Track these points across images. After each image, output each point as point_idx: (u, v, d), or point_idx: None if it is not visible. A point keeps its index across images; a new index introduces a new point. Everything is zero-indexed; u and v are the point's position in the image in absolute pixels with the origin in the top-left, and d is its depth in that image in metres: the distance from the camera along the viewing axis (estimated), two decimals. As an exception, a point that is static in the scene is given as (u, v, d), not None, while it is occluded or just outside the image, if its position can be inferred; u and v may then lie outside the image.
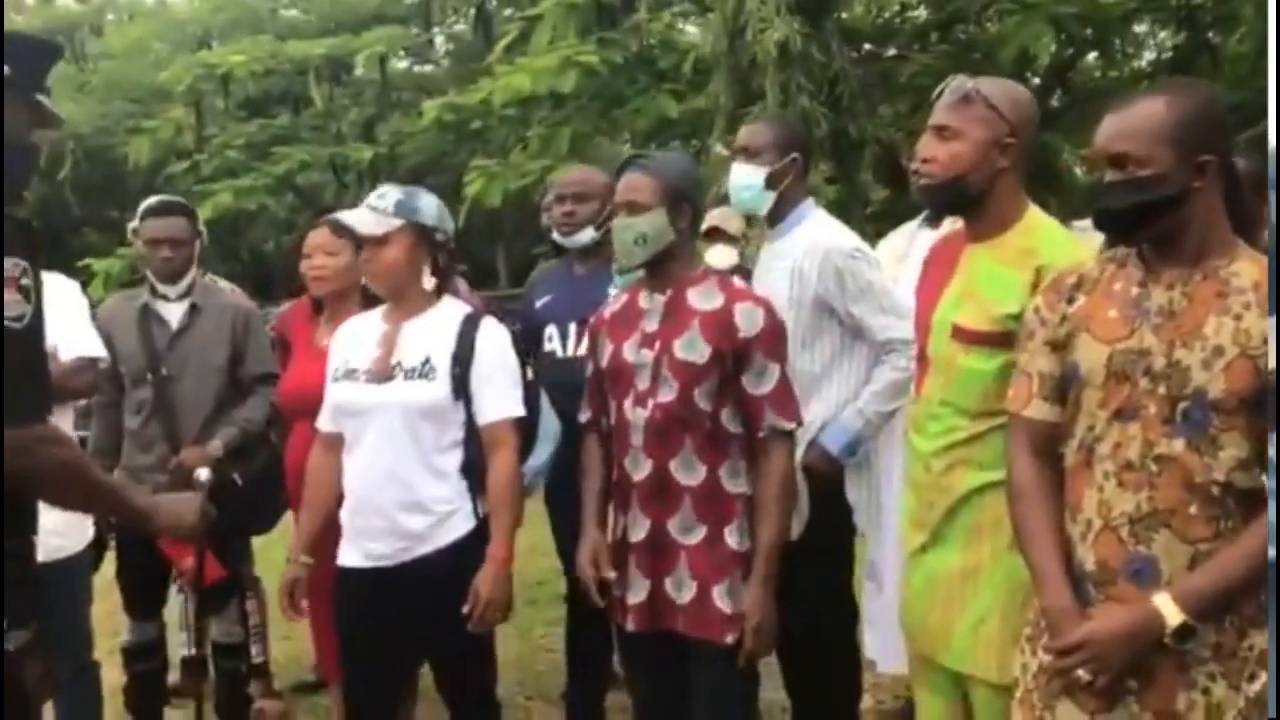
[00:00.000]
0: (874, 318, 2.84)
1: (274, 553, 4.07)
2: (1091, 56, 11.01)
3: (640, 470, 2.50)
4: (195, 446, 3.48)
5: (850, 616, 3.19)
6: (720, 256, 4.46)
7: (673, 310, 2.50)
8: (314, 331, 3.47)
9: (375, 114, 13.00)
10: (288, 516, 3.59)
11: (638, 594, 2.52)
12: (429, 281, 2.72)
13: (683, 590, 2.46)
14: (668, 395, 2.46)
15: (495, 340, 2.73)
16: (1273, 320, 1.74)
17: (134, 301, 3.59)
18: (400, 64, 15.67)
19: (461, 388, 2.65)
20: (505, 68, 8.81)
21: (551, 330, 3.51)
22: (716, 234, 4.39)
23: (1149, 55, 10.99)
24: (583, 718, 3.65)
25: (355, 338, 2.80)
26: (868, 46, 9.87)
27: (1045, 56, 8.66)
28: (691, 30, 9.90)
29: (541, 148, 9.77)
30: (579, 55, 8.46)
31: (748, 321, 2.43)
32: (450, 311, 2.75)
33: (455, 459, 2.68)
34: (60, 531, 3.05)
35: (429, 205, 2.72)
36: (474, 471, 2.69)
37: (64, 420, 3.23)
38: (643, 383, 2.50)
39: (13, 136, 1.92)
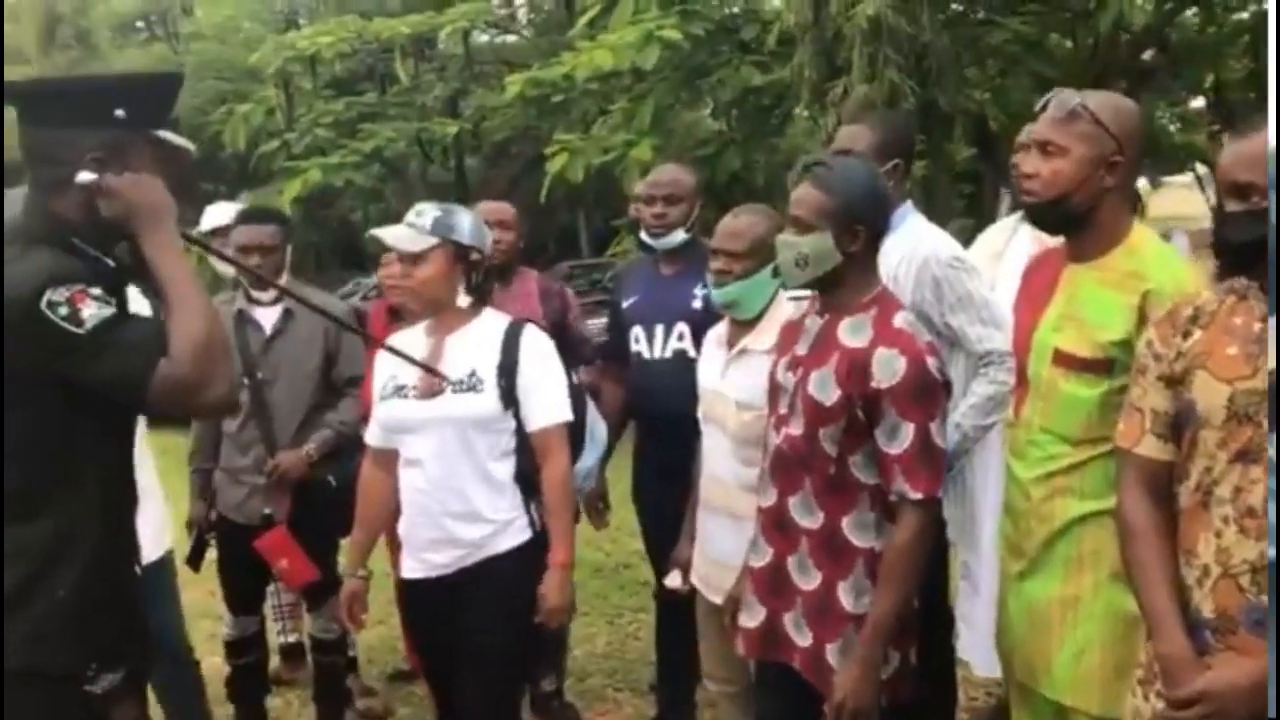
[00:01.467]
0: (972, 328, 2.75)
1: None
2: (1190, 12, 10.59)
3: (767, 496, 2.41)
4: (291, 450, 3.54)
5: (946, 625, 3.13)
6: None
7: (822, 339, 2.32)
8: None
9: (459, 88, 13.05)
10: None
11: (752, 618, 2.45)
12: (463, 299, 2.76)
13: (801, 633, 2.34)
14: (796, 428, 2.31)
15: (538, 348, 2.76)
16: (1273, 320, 1.69)
17: (229, 307, 3.65)
18: (483, 36, 15.69)
19: (509, 397, 2.69)
20: (587, 43, 8.76)
21: (638, 331, 3.49)
22: None
23: (1253, 6, 10.52)
24: (672, 712, 3.67)
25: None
26: (955, 6, 9.61)
27: (1142, 18, 8.35)
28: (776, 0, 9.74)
29: (623, 120, 9.73)
30: (661, 29, 8.37)
31: (885, 370, 2.17)
32: (492, 323, 2.78)
33: (508, 468, 2.73)
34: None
35: (465, 223, 2.74)
36: (526, 479, 2.74)
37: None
38: (783, 407, 2.37)
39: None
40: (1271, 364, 1.68)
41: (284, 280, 3.63)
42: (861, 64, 7.34)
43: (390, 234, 2.74)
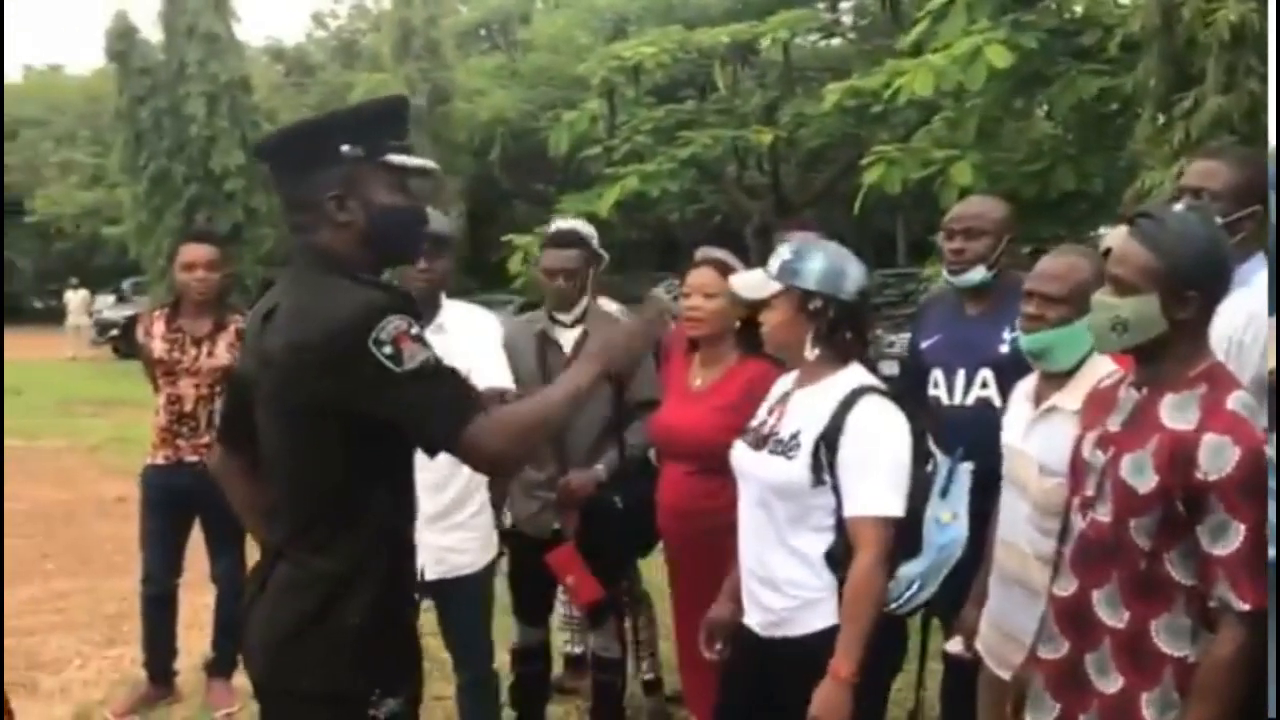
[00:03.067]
0: (1330, 408, 2.37)
1: (650, 573, 4.19)
2: None
3: (1064, 586, 2.17)
4: (582, 469, 3.59)
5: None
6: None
7: (1140, 416, 2.06)
8: (688, 370, 3.44)
9: (778, 95, 13.03)
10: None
11: (1042, 715, 2.21)
12: (811, 352, 2.50)
13: None
14: (1104, 514, 2.06)
15: (873, 423, 2.40)
16: (1272, 320, 1.56)
17: (533, 325, 3.76)
18: (809, 38, 15.59)
19: (826, 471, 2.40)
20: (910, 62, 8.44)
21: (938, 375, 3.27)
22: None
23: None
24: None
25: (771, 393, 2.69)
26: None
27: None
28: (1124, 1, 9.02)
29: (946, 130, 9.35)
30: (989, 43, 7.93)
31: (1213, 460, 1.90)
32: (842, 383, 2.47)
33: (819, 544, 2.43)
34: (460, 549, 3.29)
35: (816, 268, 2.46)
36: (839, 566, 2.41)
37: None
38: (1089, 488, 2.12)
39: (380, 205, 2.00)
40: (1271, 364, 1.55)
41: (584, 303, 3.71)
42: (1218, 73, 6.66)
43: (741, 280, 2.63)
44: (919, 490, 2.44)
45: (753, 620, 2.59)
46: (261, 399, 2.02)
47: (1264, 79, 6.41)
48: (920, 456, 2.47)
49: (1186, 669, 1.97)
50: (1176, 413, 1.99)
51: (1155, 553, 1.98)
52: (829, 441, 2.40)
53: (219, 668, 4.37)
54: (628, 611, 4.24)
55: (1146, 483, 1.97)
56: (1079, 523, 2.14)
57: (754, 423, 2.62)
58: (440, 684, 3.78)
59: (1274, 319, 1.48)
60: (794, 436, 2.46)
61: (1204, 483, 1.90)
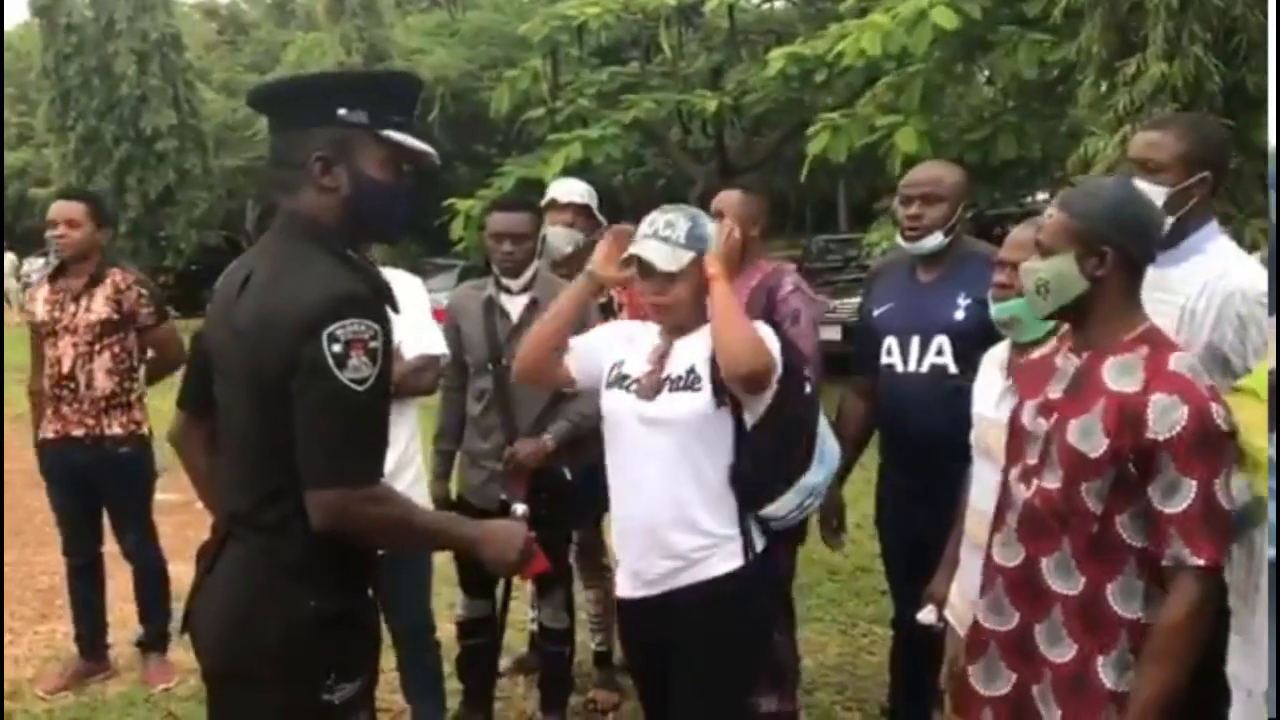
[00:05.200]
0: (1281, 377, 2.38)
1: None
2: None
3: (1011, 556, 2.17)
4: (529, 438, 3.54)
5: (1222, 697, 2.77)
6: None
7: (1081, 381, 2.08)
8: None
9: (723, 59, 12.95)
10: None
11: (997, 687, 2.21)
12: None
13: (1049, 709, 2.11)
14: (1052, 481, 2.07)
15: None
16: (1272, 320, 1.60)
17: (481, 293, 3.68)
18: (751, 2, 15.51)
19: (726, 394, 2.53)
20: (855, 22, 8.41)
21: (891, 342, 3.26)
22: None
23: None
24: (907, 739, 3.46)
25: (633, 340, 2.73)
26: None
27: None
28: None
29: (890, 97, 9.33)
30: (934, 5, 7.91)
31: (1162, 419, 1.93)
32: None
33: (724, 473, 2.57)
34: None
35: (711, 229, 2.62)
36: (745, 485, 2.57)
37: (407, 415, 3.37)
38: (1032, 456, 2.14)
39: (368, 178, 1.93)
40: (1271, 364, 1.58)
41: (534, 267, 3.63)
42: (1160, 40, 6.69)
43: (648, 250, 2.60)
44: (811, 410, 2.65)
45: (642, 581, 2.62)
46: (226, 369, 1.94)
47: (1207, 46, 6.46)
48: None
49: (1140, 630, 2.00)
50: (1120, 376, 2.01)
51: (1107, 516, 2.01)
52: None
53: (152, 644, 4.27)
54: (589, 584, 4.22)
55: (1096, 446, 1.99)
56: (1023, 492, 2.14)
57: (633, 374, 2.64)
58: (382, 657, 3.72)
59: (1274, 319, 1.46)
60: (690, 371, 2.58)
61: (1154, 442, 1.93)
